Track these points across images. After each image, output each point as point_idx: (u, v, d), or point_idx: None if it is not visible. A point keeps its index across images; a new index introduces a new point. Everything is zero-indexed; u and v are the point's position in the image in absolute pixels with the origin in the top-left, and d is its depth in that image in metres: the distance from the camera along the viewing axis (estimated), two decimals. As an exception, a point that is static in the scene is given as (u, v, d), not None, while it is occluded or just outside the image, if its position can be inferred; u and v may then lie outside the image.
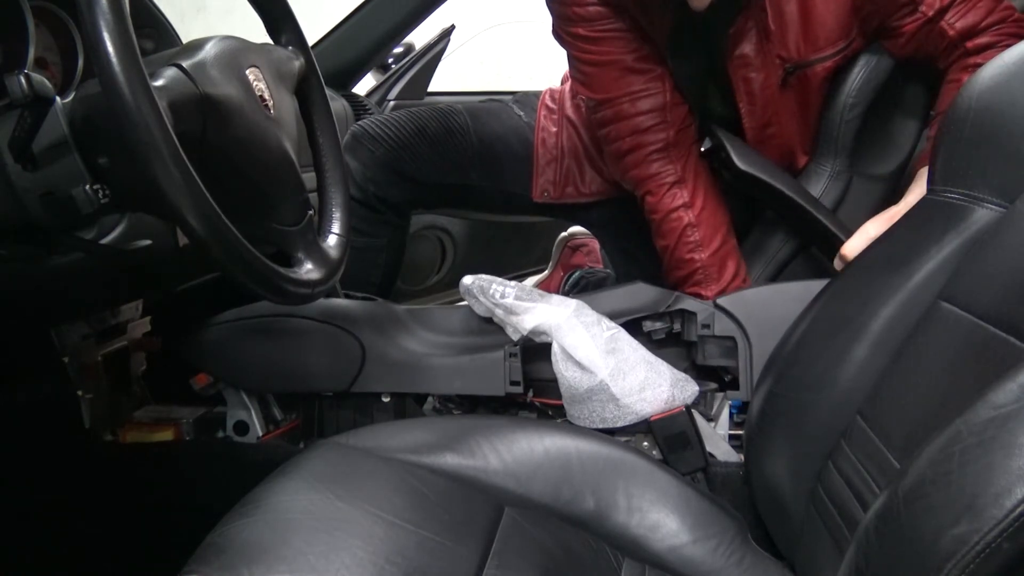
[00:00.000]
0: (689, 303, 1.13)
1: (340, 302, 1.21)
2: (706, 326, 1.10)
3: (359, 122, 1.50)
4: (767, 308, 1.03)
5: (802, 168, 1.30)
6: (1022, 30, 1.13)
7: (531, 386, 1.15)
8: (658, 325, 1.14)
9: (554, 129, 1.49)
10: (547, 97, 1.53)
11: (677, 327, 1.14)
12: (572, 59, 1.29)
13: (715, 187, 1.29)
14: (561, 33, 1.27)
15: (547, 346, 1.09)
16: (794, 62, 1.19)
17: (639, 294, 1.16)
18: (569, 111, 1.47)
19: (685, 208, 1.24)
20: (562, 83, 1.54)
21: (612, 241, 1.66)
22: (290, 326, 1.17)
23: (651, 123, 1.23)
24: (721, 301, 1.10)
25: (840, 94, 1.28)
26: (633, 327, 1.13)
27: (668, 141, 1.24)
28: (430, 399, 1.20)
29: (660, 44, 1.22)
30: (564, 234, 1.99)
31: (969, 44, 1.13)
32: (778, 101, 1.23)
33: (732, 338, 1.09)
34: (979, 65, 0.94)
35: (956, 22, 1.13)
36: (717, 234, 1.25)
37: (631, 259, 1.58)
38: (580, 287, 1.86)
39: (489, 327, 1.17)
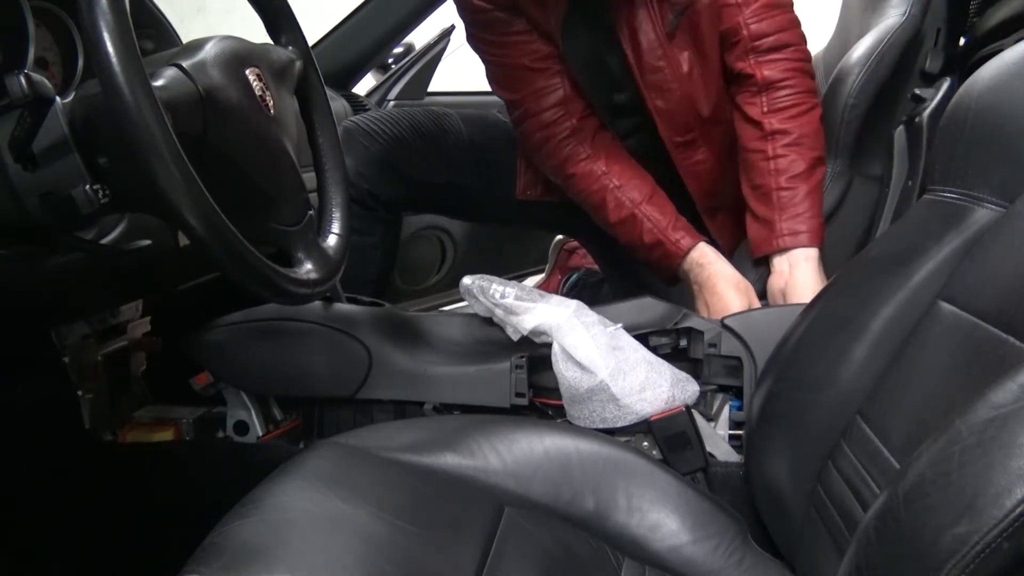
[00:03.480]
0: (696, 321, 1.13)
1: (347, 307, 1.20)
2: (713, 345, 1.10)
3: (351, 118, 1.49)
4: (775, 330, 0.99)
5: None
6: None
7: (532, 389, 1.14)
8: (664, 340, 1.14)
9: None
10: None
11: (683, 344, 1.14)
12: (484, 62, 1.36)
13: (630, 159, 1.35)
14: (472, 39, 1.35)
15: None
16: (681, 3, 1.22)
17: (647, 309, 1.16)
18: None
19: (606, 176, 1.31)
20: None
21: (598, 247, 1.65)
22: (297, 330, 1.17)
23: (555, 116, 1.31)
24: (729, 322, 1.10)
25: (840, 94, 1.28)
26: (640, 342, 1.12)
27: (573, 127, 1.32)
28: (431, 401, 1.20)
29: (555, 36, 1.27)
30: (560, 237, 1.99)
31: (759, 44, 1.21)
32: (666, 48, 1.25)
33: (738, 358, 1.09)
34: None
35: (752, 23, 1.21)
36: (645, 186, 1.31)
37: (619, 265, 1.57)
38: (579, 288, 1.86)
39: (495, 337, 1.16)
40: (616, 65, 1.30)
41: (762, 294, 1.24)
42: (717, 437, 1.09)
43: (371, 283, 1.48)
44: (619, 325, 1.10)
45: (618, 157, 1.33)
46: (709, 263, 1.26)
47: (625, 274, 1.52)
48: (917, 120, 1.22)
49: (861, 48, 1.29)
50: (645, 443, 1.06)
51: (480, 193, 1.52)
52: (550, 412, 1.14)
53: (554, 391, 1.10)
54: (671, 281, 1.33)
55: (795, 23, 1.24)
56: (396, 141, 1.44)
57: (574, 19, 1.25)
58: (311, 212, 0.86)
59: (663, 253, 1.29)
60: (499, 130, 1.52)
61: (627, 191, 1.30)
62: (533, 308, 1.10)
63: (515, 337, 1.13)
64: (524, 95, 1.32)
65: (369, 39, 1.78)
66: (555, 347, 1.07)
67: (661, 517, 0.87)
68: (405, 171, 1.45)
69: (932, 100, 1.22)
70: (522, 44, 1.28)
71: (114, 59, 0.60)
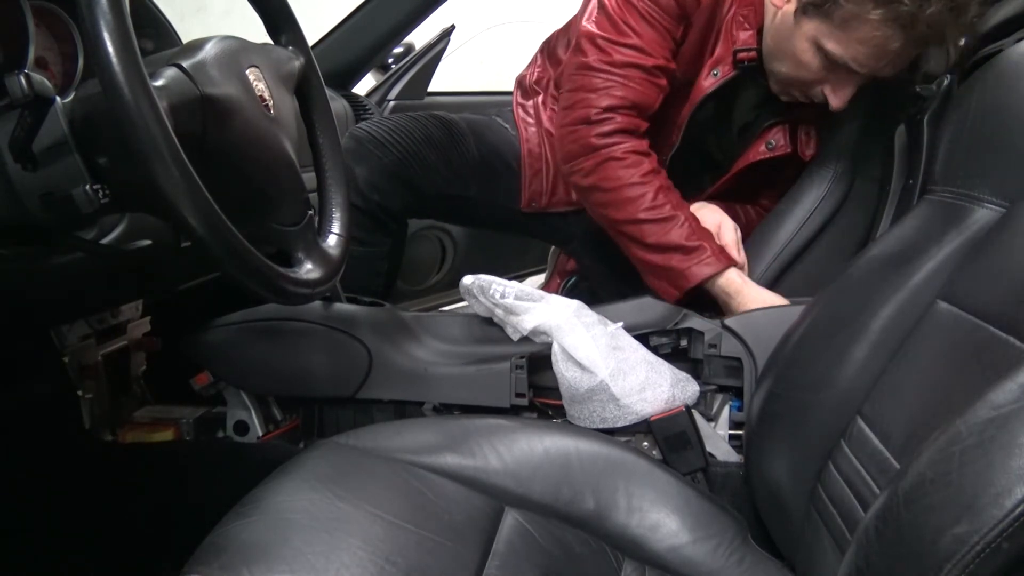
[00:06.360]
0: (697, 322, 1.13)
1: (348, 307, 1.20)
2: (713, 346, 1.10)
3: (360, 125, 1.47)
4: (775, 330, 0.99)
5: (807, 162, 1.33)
6: None
7: (532, 389, 1.14)
8: (664, 340, 1.14)
9: (536, 140, 1.48)
10: (520, 110, 1.52)
11: (683, 344, 1.14)
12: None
13: None
14: None
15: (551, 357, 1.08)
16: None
17: (647, 309, 1.15)
18: (547, 123, 1.47)
19: (654, 173, 1.24)
20: (526, 93, 1.54)
21: (596, 263, 1.62)
22: (297, 330, 1.17)
23: (599, 116, 1.24)
24: (729, 322, 1.10)
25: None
26: (640, 342, 1.12)
27: (635, 126, 1.26)
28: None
29: (688, 77, 1.30)
30: None
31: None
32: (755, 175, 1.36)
33: (738, 359, 1.09)
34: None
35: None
36: (687, 204, 1.26)
37: (615, 283, 1.55)
38: (578, 292, 1.85)
39: (495, 336, 1.16)
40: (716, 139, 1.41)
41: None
42: (717, 437, 1.09)
43: (378, 293, 1.47)
44: (619, 325, 1.10)
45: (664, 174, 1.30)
46: (746, 282, 1.21)
47: (622, 293, 1.51)
48: (917, 120, 1.22)
49: (861, 48, 1.29)
50: (645, 443, 1.06)
51: (485, 204, 1.50)
52: (550, 412, 1.14)
53: (554, 391, 1.10)
54: (678, 295, 1.25)
55: None
56: (410, 153, 1.41)
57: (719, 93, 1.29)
58: (311, 212, 0.86)
59: (701, 259, 1.20)
60: (502, 139, 1.50)
61: (673, 195, 1.24)
62: (533, 308, 1.10)
63: (515, 337, 1.13)
64: (607, 69, 1.25)
65: (369, 39, 1.77)
66: (555, 347, 1.07)
67: (661, 517, 0.88)
68: (417, 184, 1.42)
69: (932, 100, 1.22)
70: (659, 42, 1.25)
71: (114, 59, 0.60)
